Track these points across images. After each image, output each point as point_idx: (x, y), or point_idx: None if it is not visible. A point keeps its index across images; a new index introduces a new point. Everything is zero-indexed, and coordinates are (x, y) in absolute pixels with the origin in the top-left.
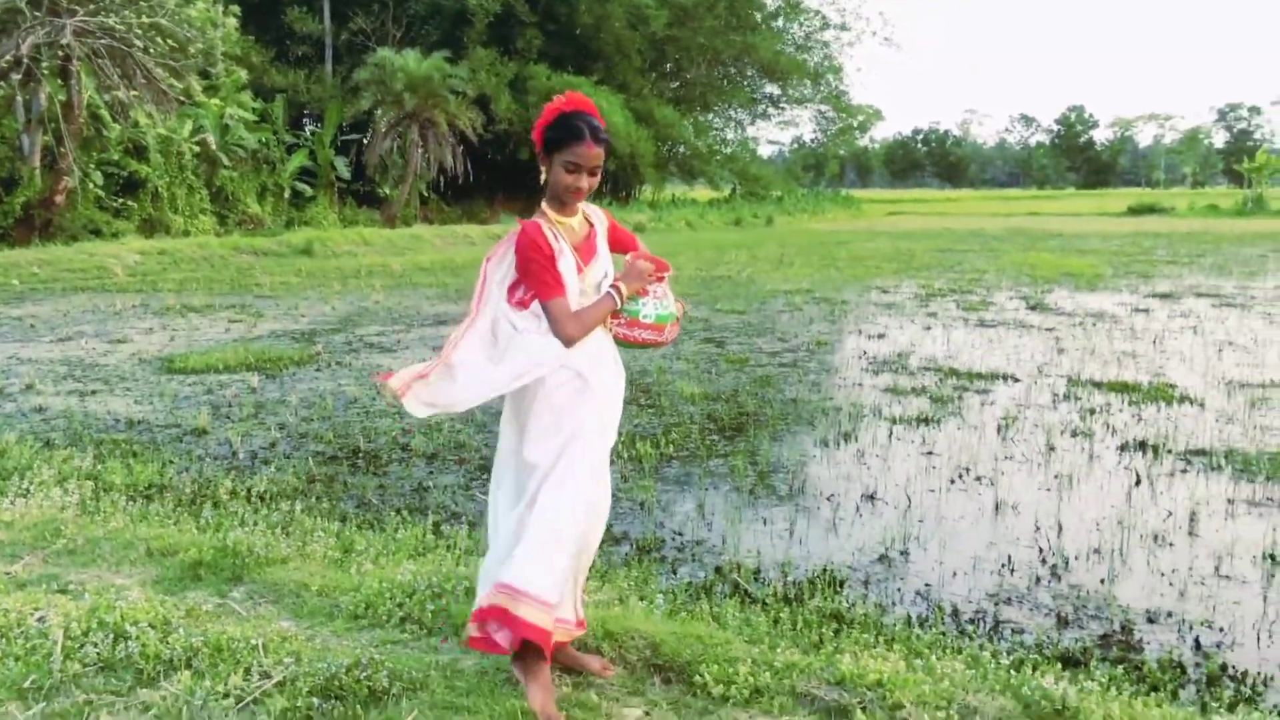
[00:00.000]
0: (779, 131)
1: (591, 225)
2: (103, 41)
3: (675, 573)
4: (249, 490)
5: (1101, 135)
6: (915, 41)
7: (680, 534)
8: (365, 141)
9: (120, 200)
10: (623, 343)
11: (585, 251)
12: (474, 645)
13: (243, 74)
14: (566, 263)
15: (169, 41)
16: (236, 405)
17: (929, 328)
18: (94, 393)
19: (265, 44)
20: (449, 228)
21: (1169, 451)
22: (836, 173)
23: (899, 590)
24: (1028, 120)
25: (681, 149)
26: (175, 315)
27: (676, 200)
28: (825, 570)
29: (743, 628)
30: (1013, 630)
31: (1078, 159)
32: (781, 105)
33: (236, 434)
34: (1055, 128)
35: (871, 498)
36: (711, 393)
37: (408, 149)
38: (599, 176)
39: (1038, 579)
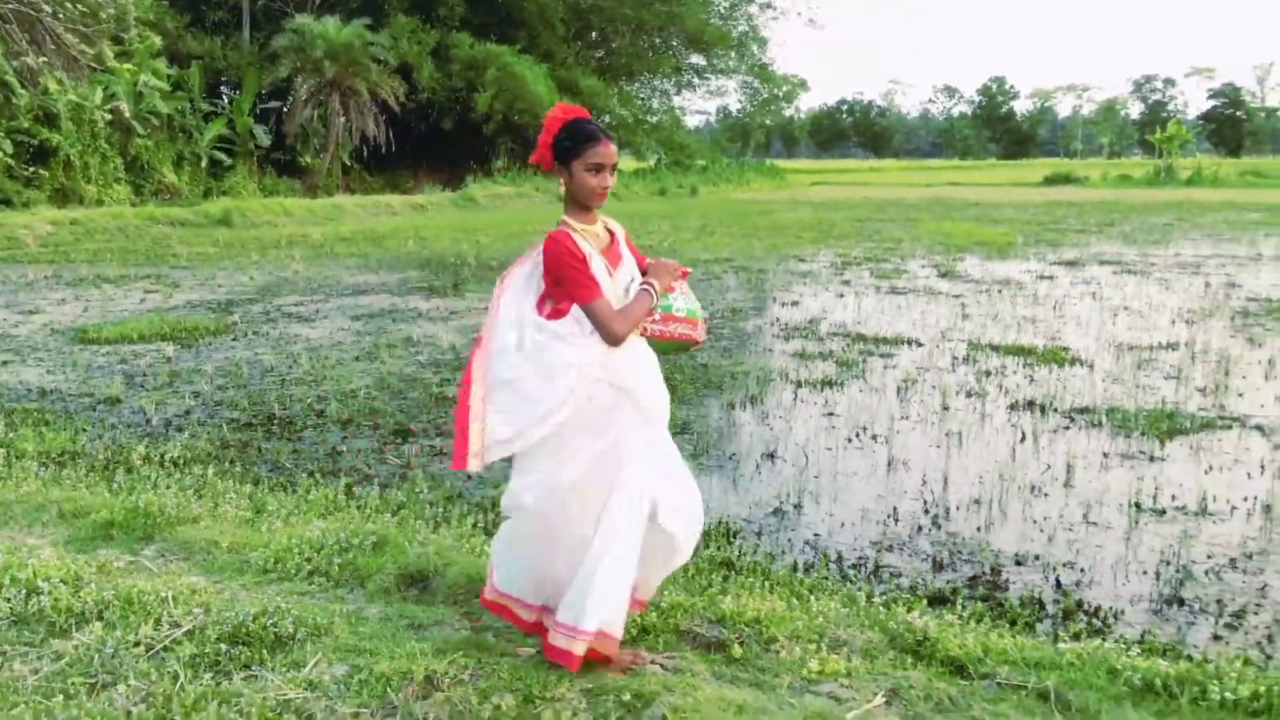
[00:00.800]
0: (705, 102)
1: (613, 233)
2: (10, 6)
3: None
4: (162, 456)
5: (1022, 106)
6: (839, 12)
7: None
8: (285, 110)
9: (31, 169)
10: (658, 341)
11: (612, 256)
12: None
13: (157, 40)
14: (598, 265)
15: (79, 6)
16: (151, 375)
17: (842, 295)
18: (5, 363)
19: (180, 10)
20: (371, 197)
21: (1055, 410)
22: (763, 143)
23: (789, 540)
24: (950, 91)
25: (607, 118)
26: (89, 286)
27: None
28: (721, 522)
29: None
30: (891, 574)
31: (999, 129)
32: (707, 76)
33: (150, 402)
34: (977, 99)
35: (771, 456)
36: None
37: (329, 117)
38: (615, 177)
39: (919, 528)
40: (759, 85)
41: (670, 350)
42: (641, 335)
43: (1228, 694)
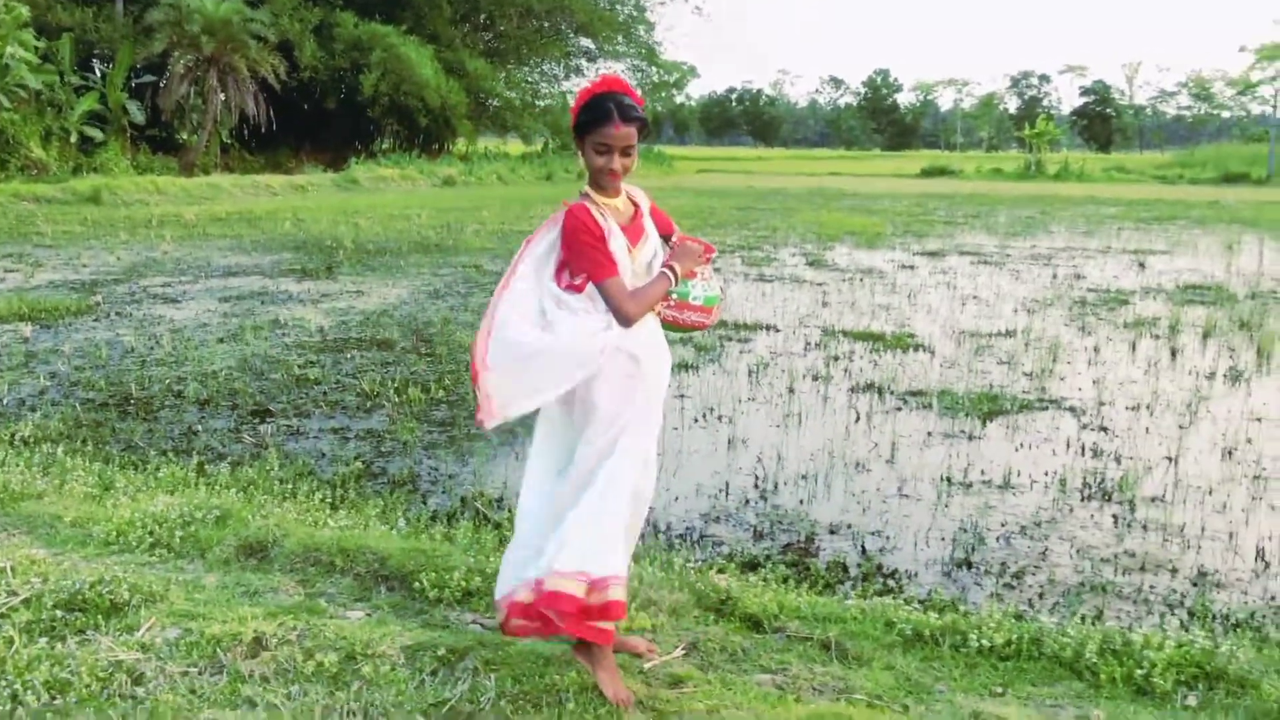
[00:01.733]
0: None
1: (637, 205)
2: None
3: (425, 502)
4: (12, 435)
5: (905, 99)
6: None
7: (436, 469)
8: (161, 85)
9: None
10: (670, 326)
11: (633, 232)
12: (522, 634)
13: (24, 10)
14: (617, 242)
15: None
16: (5, 355)
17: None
18: None
19: None
20: (250, 177)
21: (891, 393)
22: (654, 128)
23: None
24: (837, 82)
25: (494, 102)
26: None
27: (489, 154)
28: None
29: (471, 545)
30: (713, 543)
31: (883, 121)
32: (596, 59)
33: (3, 382)
34: (862, 90)
35: None
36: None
37: (206, 94)
38: (634, 156)
39: (747, 501)
40: (648, 70)
41: (675, 332)
42: (654, 314)
43: (984, 641)
